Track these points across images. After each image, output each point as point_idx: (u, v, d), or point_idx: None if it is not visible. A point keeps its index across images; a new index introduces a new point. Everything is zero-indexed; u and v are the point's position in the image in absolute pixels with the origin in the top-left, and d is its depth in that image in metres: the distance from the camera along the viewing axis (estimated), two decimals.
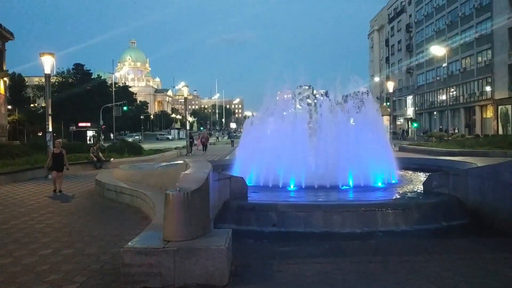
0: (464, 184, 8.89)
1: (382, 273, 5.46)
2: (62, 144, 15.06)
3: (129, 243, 5.26)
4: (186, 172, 7.07)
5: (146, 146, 39.57)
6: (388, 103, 62.20)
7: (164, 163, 16.34)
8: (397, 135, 50.50)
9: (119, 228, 8.44)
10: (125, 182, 12.94)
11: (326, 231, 7.77)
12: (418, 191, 10.39)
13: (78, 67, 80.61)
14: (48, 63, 17.40)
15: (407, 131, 64.74)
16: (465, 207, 8.63)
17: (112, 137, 66.76)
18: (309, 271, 5.57)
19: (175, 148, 39.53)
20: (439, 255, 6.16)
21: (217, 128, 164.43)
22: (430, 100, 66.75)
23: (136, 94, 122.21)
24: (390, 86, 41.57)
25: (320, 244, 7.03)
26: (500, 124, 46.75)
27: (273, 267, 5.74)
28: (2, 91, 35.33)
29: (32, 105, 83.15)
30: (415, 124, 59.47)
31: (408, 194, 10.41)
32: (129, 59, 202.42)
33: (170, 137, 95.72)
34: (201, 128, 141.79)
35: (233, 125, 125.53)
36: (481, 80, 51.54)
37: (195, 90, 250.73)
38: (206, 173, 6.51)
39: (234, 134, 63.30)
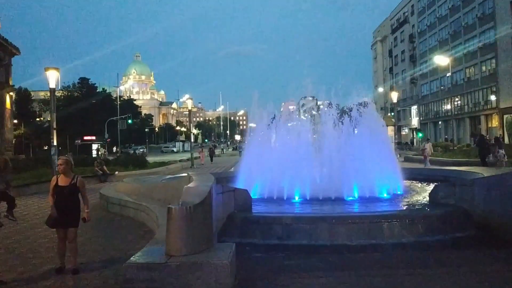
0: (471, 195, 8.77)
1: (389, 287, 5.36)
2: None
3: (132, 258, 5.21)
4: (189, 185, 7.03)
5: (151, 158, 39.64)
6: (392, 114, 62.06)
7: (168, 176, 16.31)
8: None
9: (122, 243, 8.39)
10: (129, 195, 12.90)
11: (331, 244, 7.66)
12: (424, 202, 10.26)
13: (83, 81, 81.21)
14: (53, 78, 17.49)
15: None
16: (472, 218, 8.50)
17: (114, 150, 66.97)
18: (314, 285, 5.49)
19: (180, 161, 39.54)
20: (448, 268, 6.06)
21: (222, 140, 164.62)
22: (435, 110, 66.58)
23: (141, 107, 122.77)
24: (394, 96, 41.50)
25: (326, 257, 6.94)
26: (505, 133, 46.47)
27: (277, 281, 5.66)
28: (8, 106, 35.55)
29: (38, 119, 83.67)
30: (420, 134, 59.24)
31: (414, 205, 10.28)
32: (134, 72, 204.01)
33: (175, 149, 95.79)
34: (206, 140, 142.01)
35: (237, 137, 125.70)
36: (485, 89, 51.39)
37: (199, 103, 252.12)
38: (209, 187, 6.46)
39: (242, 145, 63.73)
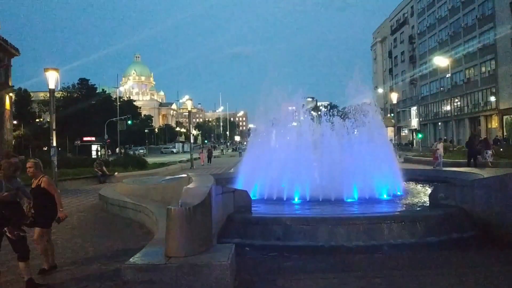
0: (471, 196, 8.75)
1: None
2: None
3: (131, 259, 5.19)
4: (188, 186, 7.01)
5: (150, 159, 39.59)
6: (392, 114, 62.08)
7: (168, 177, 16.30)
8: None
9: (121, 244, 8.37)
10: (129, 196, 12.89)
11: (331, 245, 7.63)
12: (424, 203, 10.25)
13: (83, 81, 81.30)
14: (52, 79, 17.46)
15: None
16: (472, 219, 8.48)
17: (117, 151, 67.03)
18: (314, 286, 5.47)
19: (179, 162, 39.50)
20: (448, 269, 6.04)
21: (221, 141, 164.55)
22: (435, 111, 66.59)
23: (140, 108, 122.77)
24: (394, 97, 41.55)
25: (325, 258, 6.92)
26: (505, 134, 46.49)
27: (277, 282, 5.64)
28: (8, 107, 35.51)
29: (37, 120, 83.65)
30: (420, 135, 59.26)
31: (414, 206, 10.27)
32: (133, 73, 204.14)
33: (174, 150, 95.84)
34: (206, 141, 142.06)
35: (237, 138, 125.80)
36: (485, 90, 51.40)
37: (199, 104, 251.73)
38: (208, 188, 6.45)
39: (241, 146, 63.90)
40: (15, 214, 6.02)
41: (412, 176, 14.91)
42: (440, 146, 25.43)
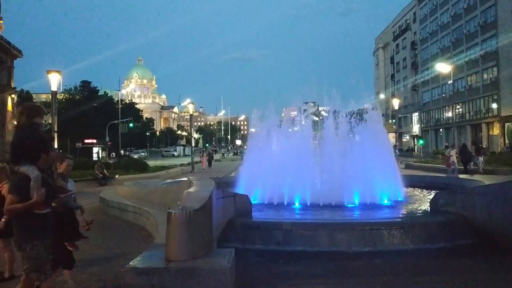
0: (472, 203, 8.74)
1: None
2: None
3: (131, 263, 5.18)
4: (189, 190, 7.02)
5: (151, 162, 39.58)
6: (393, 120, 62.03)
7: (169, 180, 16.30)
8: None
9: (121, 247, 8.36)
10: (129, 199, 12.89)
11: (331, 250, 7.62)
12: (425, 209, 10.23)
13: (85, 84, 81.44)
14: (54, 81, 17.52)
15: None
16: (473, 226, 8.46)
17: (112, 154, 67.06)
18: None
19: (180, 165, 39.48)
20: (448, 276, 6.02)
21: (222, 144, 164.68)
22: (436, 117, 66.60)
23: (142, 111, 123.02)
24: (396, 103, 41.53)
25: (325, 263, 6.90)
26: (507, 141, 46.45)
27: (277, 287, 5.63)
28: (10, 108, 35.59)
29: None
30: (421, 141, 59.26)
31: (415, 212, 10.25)
32: (136, 76, 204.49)
33: (175, 153, 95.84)
34: (207, 145, 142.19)
35: (238, 142, 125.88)
36: (487, 97, 51.42)
37: (201, 107, 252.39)
38: (209, 192, 6.45)
39: (243, 150, 64.14)
40: (69, 223, 5.58)
41: (413, 182, 14.90)
42: (453, 152, 24.43)
